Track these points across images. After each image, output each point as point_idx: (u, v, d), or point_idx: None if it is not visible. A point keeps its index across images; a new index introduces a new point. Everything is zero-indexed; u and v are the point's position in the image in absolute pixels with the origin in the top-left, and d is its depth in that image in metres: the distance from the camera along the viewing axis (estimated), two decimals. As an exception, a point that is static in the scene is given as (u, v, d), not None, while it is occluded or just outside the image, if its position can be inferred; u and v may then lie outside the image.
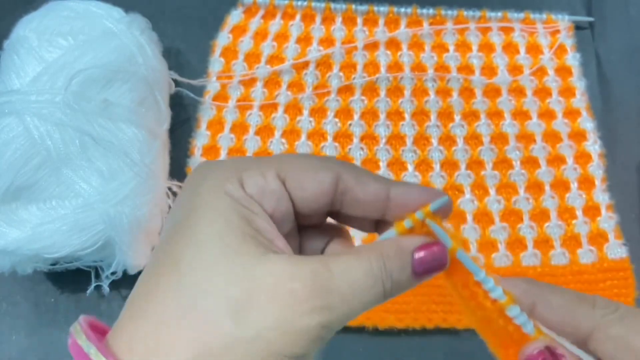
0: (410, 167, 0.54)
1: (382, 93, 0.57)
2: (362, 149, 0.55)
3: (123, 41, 0.49)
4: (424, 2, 0.60)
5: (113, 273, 0.47)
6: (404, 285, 0.26)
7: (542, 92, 0.58)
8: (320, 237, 0.30)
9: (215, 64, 0.58)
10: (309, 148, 0.55)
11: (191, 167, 0.54)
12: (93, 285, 0.48)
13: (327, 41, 0.59)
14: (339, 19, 0.59)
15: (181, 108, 0.56)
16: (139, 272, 0.48)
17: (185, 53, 0.59)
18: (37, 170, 0.45)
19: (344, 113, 0.56)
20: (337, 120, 0.56)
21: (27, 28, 0.49)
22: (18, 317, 0.49)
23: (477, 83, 0.58)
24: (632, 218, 0.54)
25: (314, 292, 0.24)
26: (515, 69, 0.58)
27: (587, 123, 0.56)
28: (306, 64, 0.58)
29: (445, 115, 0.56)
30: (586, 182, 0.54)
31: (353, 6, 0.59)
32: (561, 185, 0.54)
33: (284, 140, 0.55)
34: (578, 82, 0.58)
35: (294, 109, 0.56)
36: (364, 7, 0.59)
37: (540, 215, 0.53)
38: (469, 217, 0.52)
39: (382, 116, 0.56)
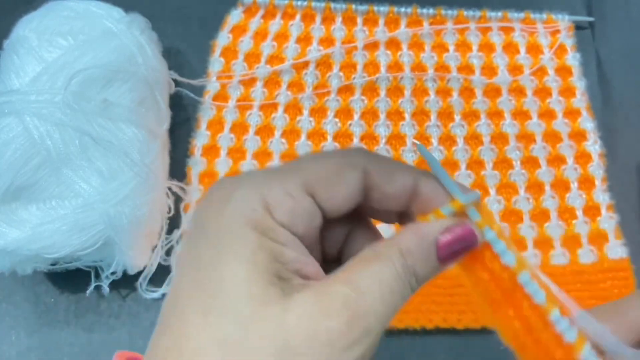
0: (410, 167, 0.54)
1: (382, 93, 0.57)
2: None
3: (123, 41, 0.49)
4: (424, 2, 0.60)
5: (113, 273, 0.47)
6: (430, 275, 0.25)
7: (542, 92, 0.58)
8: (340, 227, 0.28)
9: (215, 64, 0.58)
10: (309, 148, 0.55)
11: (191, 167, 0.54)
12: (93, 285, 0.48)
13: (327, 41, 0.59)
14: (339, 19, 0.59)
15: (181, 108, 0.56)
16: (139, 273, 0.48)
17: (185, 53, 0.59)
18: (37, 170, 0.45)
19: (344, 113, 0.56)
20: (337, 120, 0.56)
21: (27, 28, 0.49)
22: (18, 317, 0.49)
23: (477, 83, 0.58)
24: (632, 218, 0.54)
25: (350, 323, 0.23)
26: (515, 69, 0.58)
27: (587, 123, 0.56)
28: (306, 64, 0.58)
29: (445, 115, 0.56)
30: (586, 182, 0.54)
31: (353, 6, 0.59)
32: (561, 185, 0.54)
33: (284, 140, 0.55)
34: (578, 82, 0.58)
35: (294, 108, 0.56)
36: (364, 7, 0.59)
37: (541, 215, 0.53)
38: (469, 217, 0.52)
39: (382, 116, 0.56)
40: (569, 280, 0.50)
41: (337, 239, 0.29)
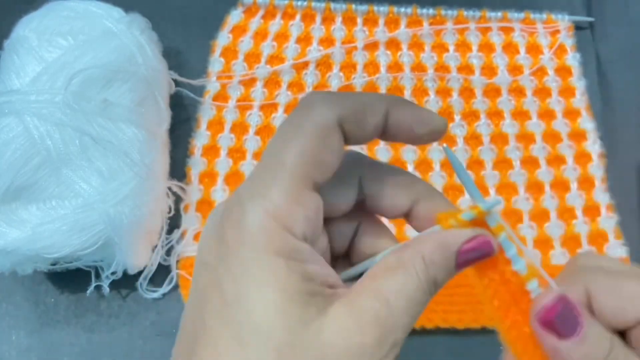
0: (410, 167, 0.54)
1: (382, 93, 0.57)
2: (362, 148, 0.55)
3: (123, 41, 0.49)
4: (424, 2, 0.60)
5: (113, 273, 0.47)
6: (445, 283, 0.26)
7: (542, 92, 0.58)
8: (347, 224, 0.29)
9: (215, 64, 0.58)
10: (309, 148, 0.55)
11: (191, 167, 0.54)
12: (93, 285, 0.48)
13: (327, 41, 0.59)
14: (339, 19, 0.59)
15: (181, 108, 0.56)
16: (139, 272, 0.48)
17: (185, 53, 0.59)
18: (37, 170, 0.45)
19: (344, 113, 0.56)
20: (337, 120, 0.56)
21: (27, 28, 0.49)
22: (18, 317, 0.49)
23: (477, 83, 0.58)
24: (632, 218, 0.54)
25: (381, 339, 0.24)
26: (515, 69, 0.58)
27: (587, 123, 0.56)
28: (306, 64, 0.58)
29: (445, 115, 0.56)
30: (586, 182, 0.54)
31: (353, 6, 0.59)
32: (561, 185, 0.54)
33: (284, 140, 0.55)
34: (578, 82, 0.58)
35: (294, 109, 0.56)
36: (364, 7, 0.59)
37: (540, 215, 0.53)
38: (469, 217, 0.52)
39: (382, 116, 0.56)
40: (568, 280, 0.50)
41: (345, 236, 0.29)
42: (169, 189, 0.51)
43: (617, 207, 0.53)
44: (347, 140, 0.26)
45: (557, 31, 0.60)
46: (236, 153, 0.55)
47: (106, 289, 0.47)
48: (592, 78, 0.58)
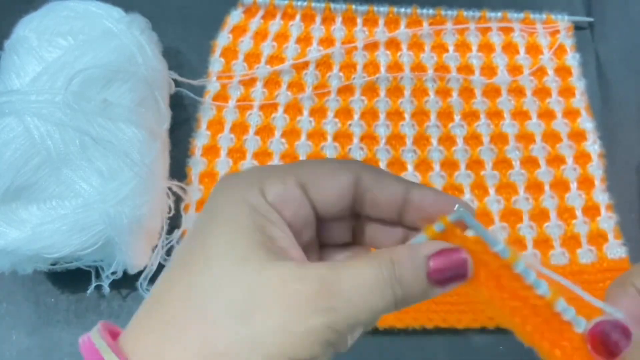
0: (410, 167, 0.54)
1: (382, 93, 0.57)
2: (362, 149, 0.55)
3: (123, 41, 0.49)
4: (424, 2, 0.60)
5: (113, 273, 0.47)
6: (418, 293, 0.26)
7: (542, 92, 0.58)
8: (342, 255, 0.30)
9: (215, 64, 0.58)
10: (309, 148, 0.55)
11: (191, 167, 0.54)
12: (93, 285, 0.48)
13: (327, 41, 0.59)
14: (338, 19, 0.59)
15: (181, 108, 0.56)
16: (139, 272, 0.48)
17: (185, 53, 0.59)
18: (37, 170, 0.45)
19: (344, 113, 0.56)
20: (337, 120, 0.56)
21: (27, 28, 0.49)
22: (18, 317, 0.49)
23: (477, 83, 0.58)
24: (632, 218, 0.54)
25: (319, 293, 0.24)
26: (515, 69, 0.58)
27: (586, 123, 0.56)
28: (306, 64, 0.58)
29: (445, 115, 0.56)
30: (586, 182, 0.54)
31: (353, 6, 0.59)
32: (561, 185, 0.54)
33: (284, 140, 0.55)
34: (578, 82, 0.58)
35: (294, 109, 0.56)
36: (364, 7, 0.59)
37: (540, 215, 0.53)
38: (469, 217, 0.52)
39: (382, 116, 0.56)
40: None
41: (341, 239, 0.30)
42: (169, 189, 0.51)
43: (617, 207, 0.53)
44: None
45: (557, 31, 0.60)
46: (236, 153, 0.55)
47: (106, 289, 0.47)
48: (592, 78, 0.58)
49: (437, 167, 0.54)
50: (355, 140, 0.55)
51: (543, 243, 0.52)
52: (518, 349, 0.27)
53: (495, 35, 0.59)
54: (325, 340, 0.24)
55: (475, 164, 0.55)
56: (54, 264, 0.47)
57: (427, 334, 0.48)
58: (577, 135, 0.56)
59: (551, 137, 0.56)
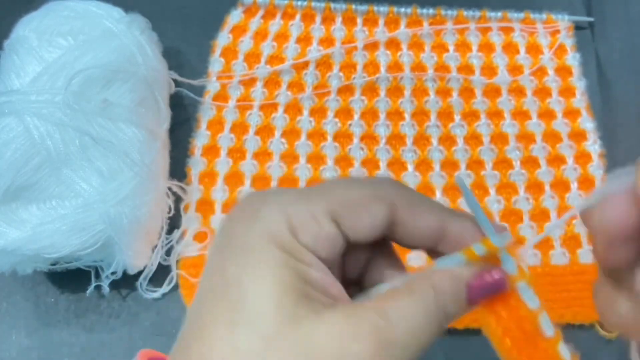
0: (410, 167, 0.54)
1: (382, 93, 0.57)
2: (362, 149, 0.55)
3: (123, 41, 0.49)
4: (424, 2, 0.60)
5: (113, 273, 0.47)
6: (459, 315, 0.26)
7: (542, 92, 0.58)
8: (363, 251, 0.29)
9: (215, 64, 0.58)
10: (309, 148, 0.55)
11: (191, 167, 0.54)
12: (93, 285, 0.48)
13: (327, 41, 0.59)
14: (339, 19, 0.59)
15: (181, 108, 0.56)
16: (139, 272, 0.48)
17: (185, 53, 0.59)
18: (37, 170, 0.45)
19: (344, 113, 0.56)
20: (337, 120, 0.56)
21: (27, 28, 0.49)
22: (18, 317, 0.49)
23: (477, 83, 0.58)
24: (632, 218, 0.53)
25: (377, 350, 0.23)
26: (515, 69, 0.58)
27: (587, 123, 0.56)
28: (306, 64, 0.58)
29: (445, 115, 0.56)
30: (586, 182, 0.54)
31: (353, 6, 0.59)
32: (561, 185, 0.54)
33: (284, 140, 0.55)
34: (578, 82, 0.58)
35: (294, 109, 0.56)
36: (364, 7, 0.59)
37: (540, 215, 0.53)
38: (469, 217, 0.52)
39: (382, 116, 0.56)
40: (569, 280, 0.50)
41: (359, 262, 0.29)
42: (169, 189, 0.51)
43: (617, 207, 0.53)
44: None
45: (557, 31, 0.60)
46: (236, 153, 0.55)
47: (106, 289, 0.47)
48: (592, 78, 0.58)
49: (437, 167, 0.54)
50: (355, 140, 0.55)
51: (543, 243, 0.52)
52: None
53: (496, 35, 0.59)
54: None
55: (475, 164, 0.55)
56: (54, 264, 0.47)
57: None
58: (578, 135, 0.56)
59: (551, 137, 0.56)
